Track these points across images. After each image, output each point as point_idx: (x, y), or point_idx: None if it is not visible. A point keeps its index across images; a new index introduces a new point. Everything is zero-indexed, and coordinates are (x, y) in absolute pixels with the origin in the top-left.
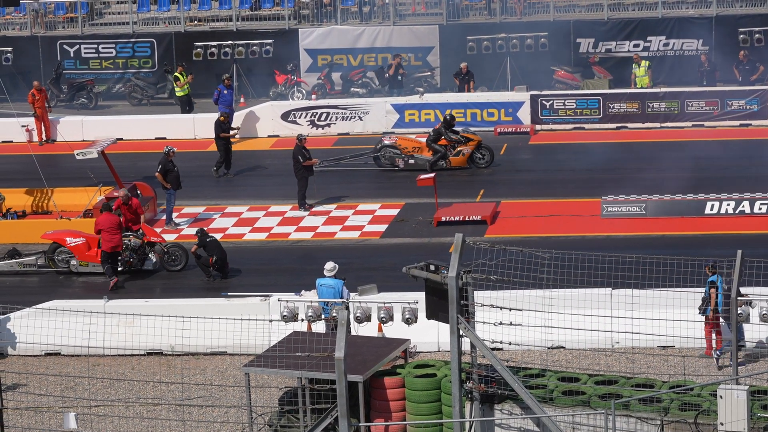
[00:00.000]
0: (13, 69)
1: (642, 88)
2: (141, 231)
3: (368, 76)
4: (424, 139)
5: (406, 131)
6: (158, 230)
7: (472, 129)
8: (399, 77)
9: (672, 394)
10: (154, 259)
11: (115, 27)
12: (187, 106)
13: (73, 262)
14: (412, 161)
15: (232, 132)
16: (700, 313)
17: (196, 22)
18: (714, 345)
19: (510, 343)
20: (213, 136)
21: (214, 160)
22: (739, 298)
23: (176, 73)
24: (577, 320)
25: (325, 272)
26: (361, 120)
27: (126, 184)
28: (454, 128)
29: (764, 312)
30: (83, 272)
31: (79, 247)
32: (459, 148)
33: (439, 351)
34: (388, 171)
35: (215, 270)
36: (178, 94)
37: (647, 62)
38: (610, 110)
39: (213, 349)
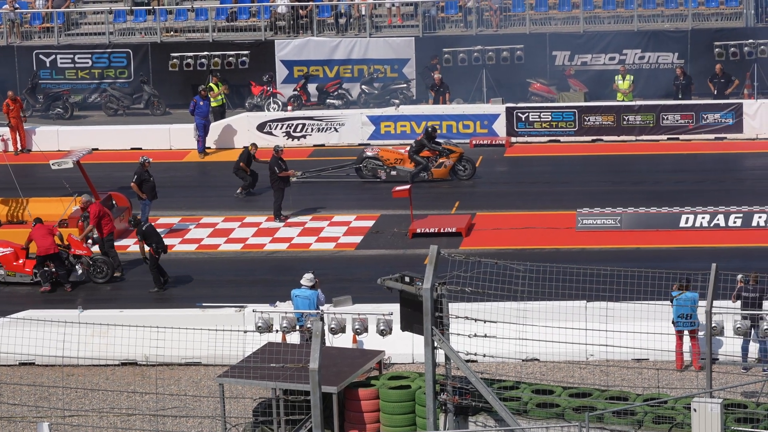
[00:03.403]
0: None
1: (622, 101)
2: (68, 243)
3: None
4: (405, 151)
5: (381, 143)
6: (133, 240)
7: (454, 141)
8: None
9: (646, 407)
10: (80, 271)
11: (91, 37)
12: (220, 116)
13: (0, 272)
14: (394, 173)
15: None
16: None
17: (172, 32)
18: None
19: (484, 355)
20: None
21: (191, 170)
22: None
23: (210, 83)
24: (552, 333)
25: (302, 281)
26: (337, 131)
27: (101, 194)
28: (436, 140)
29: (738, 325)
30: (10, 282)
31: (7, 257)
32: (441, 160)
33: (413, 363)
34: (366, 182)
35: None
36: (212, 104)
37: (631, 76)
38: (585, 123)
39: (187, 359)
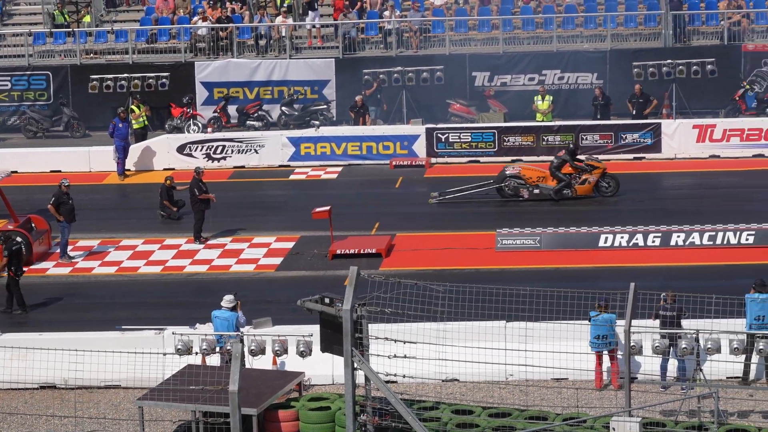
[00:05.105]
0: None
1: (542, 121)
2: None
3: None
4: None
5: (301, 164)
6: (53, 263)
7: (600, 157)
8: (378, 95)
9: (565, 426)
10: None
11: (10, 59)
12: (142, 138)
13: None
14: (537, 191)
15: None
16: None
17: (92, 54)
18: (607, 379)
19: (404, 376)
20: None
21: (110, 193)
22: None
23: (132, 106)
24: (472, 353)
25: (222, 303)
26: (257, 153)
27: (21, 217)
28: (578, 157)
29: (656, 344)
30: None
31: None
32: (584, 177)
33: (333, 384)
34: (304, 204)
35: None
36: (134, 126)
37: (551, 97)
38: (505, 143)
39: (107, 382)
